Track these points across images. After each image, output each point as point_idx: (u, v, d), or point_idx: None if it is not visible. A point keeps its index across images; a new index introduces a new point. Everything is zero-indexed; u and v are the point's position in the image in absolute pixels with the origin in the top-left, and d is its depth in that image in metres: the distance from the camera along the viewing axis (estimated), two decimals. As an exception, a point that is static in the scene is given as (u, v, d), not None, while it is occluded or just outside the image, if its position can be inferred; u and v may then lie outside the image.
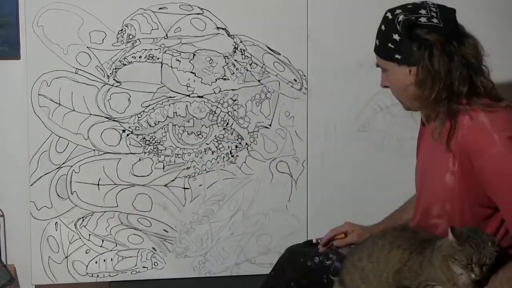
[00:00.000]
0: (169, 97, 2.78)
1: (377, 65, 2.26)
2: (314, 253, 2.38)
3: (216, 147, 2.83)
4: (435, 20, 2.11)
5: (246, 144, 2.85)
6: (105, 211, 2.79)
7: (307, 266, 2.35)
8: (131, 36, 2.74)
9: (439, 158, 2.17)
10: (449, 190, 2.15)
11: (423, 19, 2.11)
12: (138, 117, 2.78)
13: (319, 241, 2.47)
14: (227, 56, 2.80)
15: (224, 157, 2.84)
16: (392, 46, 2.16)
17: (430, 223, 2.21)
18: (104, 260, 2.81)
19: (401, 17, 2.12)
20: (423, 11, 2.13)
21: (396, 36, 2.14)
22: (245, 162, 2.85)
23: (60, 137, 2.75)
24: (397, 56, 2.15)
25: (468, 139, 2.10)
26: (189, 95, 2.80)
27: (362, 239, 2.40)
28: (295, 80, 2.85)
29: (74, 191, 2.77)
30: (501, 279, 2.01)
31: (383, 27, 2.19)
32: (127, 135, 2.78)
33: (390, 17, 2.16)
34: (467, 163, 2.11)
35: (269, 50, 2.82)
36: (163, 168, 2.81)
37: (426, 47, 2.11)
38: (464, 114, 2.11)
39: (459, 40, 2.13)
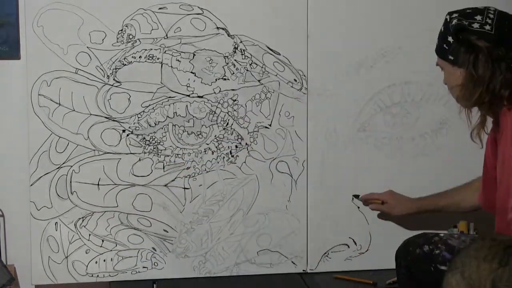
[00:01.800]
0: (169, 97, 2.78)
1: (437, 64, 2.39)
2: (423, 242, 2.39)
3: (216, 147, 2.83)
4: (487, 27, 2.24)
5: (246, 144, 2.84)
6: (105, 211, 2.79)
7: (416, 253, 2.37)
8: (131, 36, 2.74)
9: (504, 151, 2.27)
10: None
11: (475, 25, 2.24)
12: (138, 117, 2.78)
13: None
14: (227, 56, 2.80)
15: (224, 157, 2.84)
16: (446, 47, 2.30)
17: (508, 220, 2.24)
18: (104, 260, 2.81)
19: (454, 21, 2.26)
20: (479, 17, 2.25)
21: (450, 39, 2.28)
22: (245, 162, 2.85)
23: (60, 137, 2.75)
24: (450, 57, 2.30)
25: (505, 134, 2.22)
26: (189, 95, 2.80)
27: (394, 212, 2.81)
28: (295, 80, 2.85)
29: (74, 191, 2.77)
30: None
31: (442, 29, 2.33)
32: (127, 135, 2.78)
33: (448, 19, 2.30)
34: None
35: (269, 50, 2.82)
36: (163, 168, 2.80)
37: (472, 51, 2.24)
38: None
39: (509, 46, 2.24)
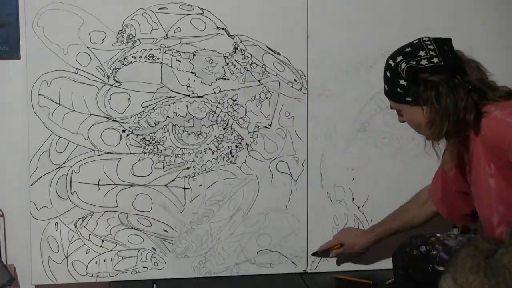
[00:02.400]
0: (169, 97, 2.78)
1: (391, 107, 2.38)
2: (420, 243, 2.39)
3: (216, 147, 2.83)
4: (435, 60, 2.24)
5: (246, 144, 2.85)
6: (105, 211, 2.79)
7: (413, 254, 2.38)
8: (131, 36, 2.74)
9: (479, 169, 2.28)
10: (495, 192, 2.23)
11: (424, 62, 2.24)
12: (138, 117, 2.78)
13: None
14: (227, 56, 2.80)
15: (224, 157, 2.84)
16: (402, 91, 2.29)
17: (496, 235, 2.27)
18: (104, 260, 2.81)
19: (403, 65, 2.26)
20: (422, 53, 2.26)
21: (402, 82, 2.27)
22: (245, 162, 2.85)
23: (60, 137, 2.75)
24: (408, 99, 2.28)
25: (489, 137, 2.21)
26: (189, 95, 2.80)
27: (355, 249, 2.80)
28: (295, 80, 2.85)
29: (74, 191, 2.77)
30: None
31: (388, 74, 2.31)
32: (127, 135, 2.78)
33: (393, 64, 2.29)
34: (499, 161, 2.20)
35: (269, 50, 2.82)
36: (163, 168, 2.80)
37: (431, 88, 2.24)
38: (480, 119, 2.23)
39: (462, 71, 2.25)
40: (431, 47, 2.28)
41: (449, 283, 2.11)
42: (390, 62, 2.29)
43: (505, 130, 2.18)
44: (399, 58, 2.29)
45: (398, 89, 2.29)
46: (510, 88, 2.32)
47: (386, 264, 2.78)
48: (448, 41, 2.32)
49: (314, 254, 2.89)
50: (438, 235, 2.42)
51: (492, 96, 2.25)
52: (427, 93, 2.24)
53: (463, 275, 2.10)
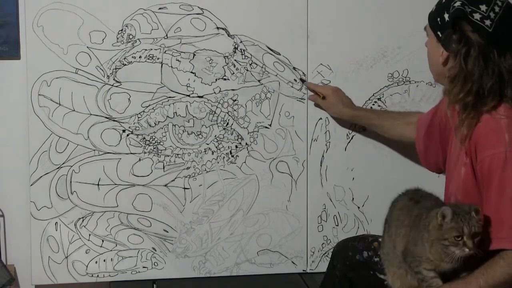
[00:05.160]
0: (169, 97, 2.78)
1: (425, 28, 2.30)
2: (363, 248, 2.38)
3: (216, 147, 2.83)
4: (487, 22, 2.10)
5: (246, 144, 2.85)
6: (105, 211, 2.79)
7: (356, 259, 2.37)
8: (131, 36, 2.74)
9: (458, 153, 2.21)
10: (462, 181, 2.18)
11: (477, 16, 2.10)
12: (138, 117, 2.78)
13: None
14: (227, 56, 2.80)
15: (224, 157, 2.84)
16: (440, 23, 2.18)
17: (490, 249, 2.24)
18: (104, 260, 2.81)
19: (457, 4, 2.12)
20: (483, 7, 2.11)
21: (446, 16, 2.15)
22: (245, 162, 2.85)
23: (60, 137, 2.75)
24: (439, 33, 2.18)
25: (480, 131, 2.12)
26: (189, 95, 2.80)
27: (331, 112, 2.73)
28: (295, 80, 2.85)
29: (74, 191, 2.77)
30: (475, 273, 2.04)
31: (443, 0, 2.19)
32: (127, 135, 2.78)
33: None
34: (474, 155, 2.12)
35: (269, 50, 2.82)
36: (163, 168, 2.80)
37: (464, 44, 2.11)
38: (484, 114, 2.14)
39: (502, 50, 2.11)
40: (497, 9, 2.12)
41: (387, 246, 2.16)
42: None
43: (496, 142, 2.09)
44: None
45: (439, 19, 2.18)
46: None
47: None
48: None
49: (302, 80, 2.82)
50: (380, 239, 2.41)
51: (509, 94, 2.13)
52: (458, 45, 2.12)
53: (394, 222, 2.15)
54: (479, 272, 2.05)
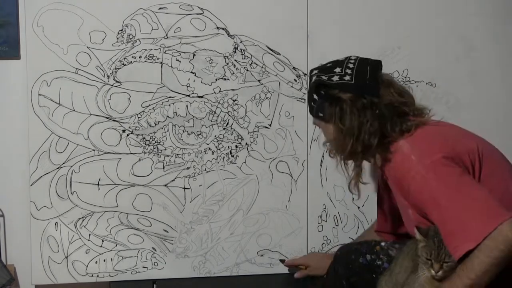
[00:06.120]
0: (169, 97, 2.78)
1: (313, 123, 2.41)
2: (366, 251, 2.39)
3: (216, 147, 2.83)
4: (347, 78, 2.23)
5: (246, 144, 2.85)
6: (105, 211, 2.79)
7: (359, 262, 2.38)
8: (131, 36, 2.74)
9: (399, 198, 2.30)
10: (414, 221, 2.24)
11: (335, 78, 2.23)
12: (138, 117, 2.78)
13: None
14: (227, 56, 2.80)
15: (224, 157, 2.84)
16: (314, 105, 2.31)
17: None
18: (104, 260, 2.81)
19: (314, 78, 2.28)
20: (338, 69, 2.25)
21: (314, 96, 2.29)
22: (245, 162, 2.85)
23: (60, 137, 2.75)
24: (320, 114, 2.30)
25: (396, 170, 2.21)
26: (189, 95, 2.80)
27: (319, 273, 2.64)
28: (295, 80, 2.85)
29: (74, 191, 2.77)
30: (457, 272, 2.07)
31: (308, 88, 2.35)
32: (127, 135, 2.78)
33: (309, 77, 2.32)
34: (403, 193, 2.22)
35: (269, 50, 2.82)
36: (163, 168, 2.80)
37: (336, 105, 2.24)
38: (387, 150, 2.23)
39: (374, 93, 2.22)
40: (351, 65, 2.26)
41: (386, 278, 2.18)
42: (308, 75, 2.32)
43: (408, 167, 2.16)
44: (314, 71, 2.31)
45: (312, 103, 2.31)
46: (422, 117, 2.29)
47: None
48: (375, 63, 2.29)
49: (282, 261, 2.85)
50: (383, 243, 2.42)
51: (399, 125, 2.22)
52: (332, 109, 2.24)
53: (400, 261, 2.17)
54: (460, 269, 2.07)
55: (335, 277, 2.45)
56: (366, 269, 2.37)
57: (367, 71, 2.25)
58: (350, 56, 2.32)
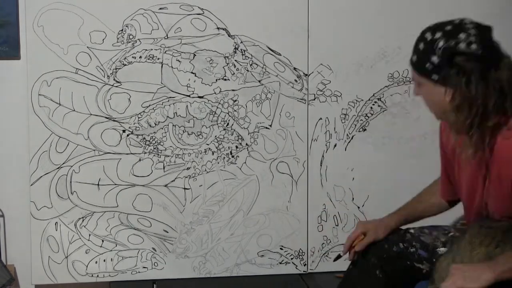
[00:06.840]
0: (169, 97, 2.78)
1: (412, 78, 2.29)
2: (397, 239, 2.37)
3: (217, 148, 2.83)
4: (474, 47, 2.15)
5: (247, 144, 2.84)
6: (105, 211, 2.79)
7: (392, 251, 2.36)
8: (131, 36, 2.74)
9: (501, 184, 2.21)
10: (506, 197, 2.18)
11: (462, 45, 2.15)
12: (138, 117, 2.78)
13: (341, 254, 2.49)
14: (227, 57, 2.80)
15: (224, 158, 2.84)
16: (431, 67, 2.19)
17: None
18: (104, 260, 2.81)
19: (441, 43, 2.16)
20: (462, 35, 2.16)
21: (435, 59, 2.18)
22: (245, 162, 2.85)
23: (60, 137, 2.75)
24: (433, 77, 2.19)
25: (504, 157, 2.15)
26: (189, 96, 2.80)
27: (379, 235, 2.43)
28: (295, 80, 2.85)
29: (74, 191, 2.77)
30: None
31: (421, 46, 2.21)
32: (127, 135, 2.78)
33: (429, 38, 2.19)
34: (501, 171, 2.16)
35: (269, 51, 2.82)
36: (163, 168, 2.80)
37: (464, 73, 2.15)
38: (497, 137, 2.17)
39: (496, 65, 2.17)
40: (472, 31, 2.17)
41: (449, 262, 2.15)
42: (427, 35, 2.19)
43: None
44: (438, 34, 2.18)
45: (428, 64, 2.19)
46: None
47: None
48: (489, 29, 2.21)
49: (337, 258, 2.52)
50: (412, 230, 2.39)
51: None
52: (458, 78, 2.15)
53: (467, 249, 2.14)
54: None
55: (368, 268, 2.43)
56: (400, 258, 2.36)
57: (489, 40, 2.18)
58: (463, 19, 2.21)
